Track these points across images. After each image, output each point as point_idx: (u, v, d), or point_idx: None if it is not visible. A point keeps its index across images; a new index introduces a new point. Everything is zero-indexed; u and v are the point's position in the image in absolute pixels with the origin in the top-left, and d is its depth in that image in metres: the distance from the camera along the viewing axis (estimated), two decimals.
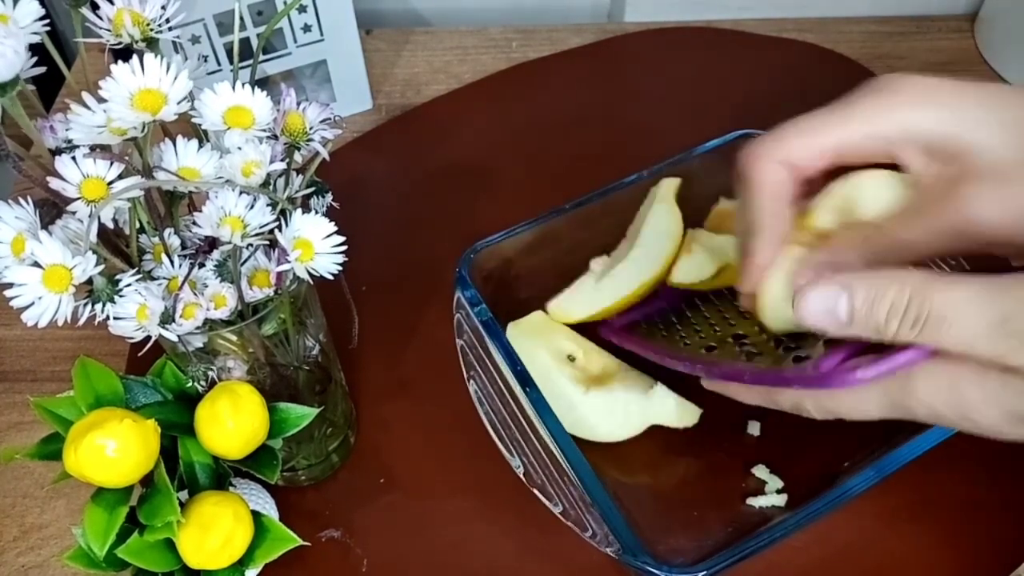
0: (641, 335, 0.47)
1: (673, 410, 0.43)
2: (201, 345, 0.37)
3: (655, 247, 0.46)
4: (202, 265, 0.34)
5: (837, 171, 0.35)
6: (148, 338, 0.33)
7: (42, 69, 0.32)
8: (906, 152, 0.33)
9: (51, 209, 0.33)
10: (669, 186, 0.48)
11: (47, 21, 0.31)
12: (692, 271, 0.45)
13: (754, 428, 0.45)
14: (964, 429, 0.31)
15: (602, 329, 0.48)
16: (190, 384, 0.38)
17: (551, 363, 0.44)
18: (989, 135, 0.31)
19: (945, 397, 0.30)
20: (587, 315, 0.47)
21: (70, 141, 0.32)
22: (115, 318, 0.32)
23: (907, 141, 0.33)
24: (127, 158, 0.32)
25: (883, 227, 0.33)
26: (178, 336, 0.34)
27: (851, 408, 0.33)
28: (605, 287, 0.46)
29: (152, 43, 0.34)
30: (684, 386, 0.44)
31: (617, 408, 0.43)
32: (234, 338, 0.37)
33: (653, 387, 0.43)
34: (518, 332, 0.45)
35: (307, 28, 0.58)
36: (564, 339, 0.47)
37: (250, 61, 0.37)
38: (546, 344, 0.45)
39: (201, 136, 0.34)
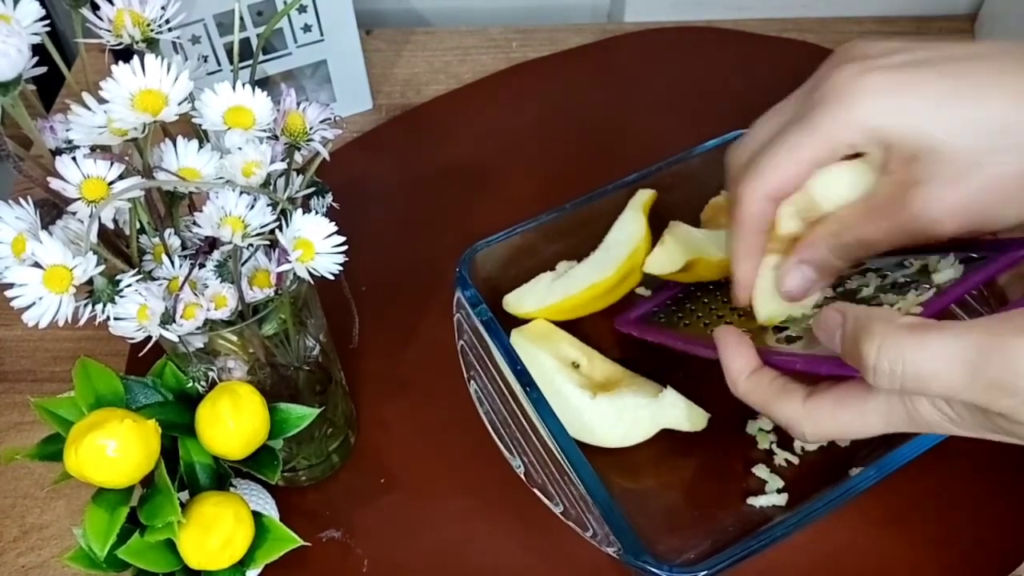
0: (661, 325, 0.46)
1: (683, 414, 0.43)
2: (201, 345, 0.37)
3: (611, 253, 0.47)
4: (202, 265, 0.34)
5: None
6: (148, 338, 0.33)
7: (43, 69, 0.32)
8: (870, 152, 0.34)
9: (51, 209, 0.33)
10: (642, 196, 0.48)
11: (47, 21, 0.31)
12: (663, 263, 0.46)
13: (754, 428, 0.45)
14: None
15: (618, 321, 0.48)
16: (190, 384, 0.38)
17: (556, 369, 0.44)
18: (945, 134, 0.31)
19: (952, 421, 0.30)
20: (534, 311, 0.47)
21: (70, 141, 0.32)
22: (115, 318, 0.32)
23: (869, 142, 0.33)
24: (127, 158, 0.32)
25: (846, 223, 0.35)
26: (178, 336, 0.34)
27: (853, 426, 0.32)
28: (557, 286, 0.47)
29: (152, 43, 0.34)
30: (690, 390, 0.44)
31: (626, 413, 0.43)
32: (234, 338, 0.37)
33: (662, 392, 0.43)
34: (522, 339, 0.45)
35: (307, 28, 0.58)
36: (568, 346, 0.47)
37: (250, 61, 0.37)
38: (551, 350, 0.45)
39: (201, 136, 0.34)
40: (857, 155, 0.34)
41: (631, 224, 0.47)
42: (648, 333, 0.46)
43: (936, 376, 0.28)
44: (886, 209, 0.34)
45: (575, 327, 0.48)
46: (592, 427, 0.42)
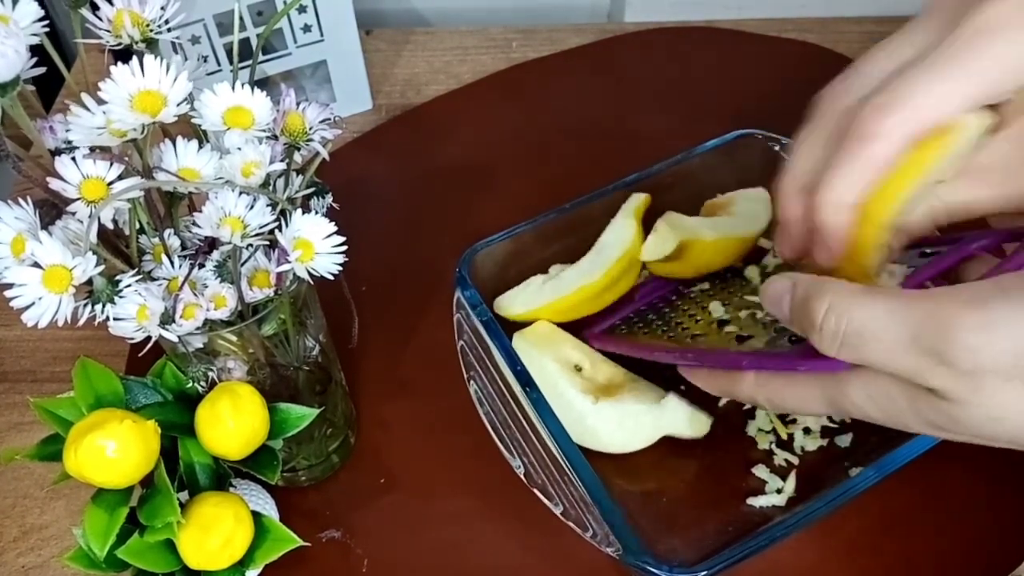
0: (621, 336, 0.46)
1: (685, 420, 0.43)
2: (201, 346, 0.37)
3: (601, 256, 0.47)
4: (202, 265, 0.34)
5: None
6: (148, 339, 0.33)
7: (42, 70, 0.32)
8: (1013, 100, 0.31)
9: (51, 210, 0.33)
10: (635, 200, 0.48)
11: (46, 22, 0.31)
12: (657, 248, 0.46)
13: (753, 429, 0.45)
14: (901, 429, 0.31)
15: (585, 335, 0.48)
16: (190, 385, 0.38)
17: (559, 374, 0.44)
18: None
19: (878, 404, 0.30)
20: (524, 312, 0.47)
21: (70, 142, 0.32)
22: (115, 319, 0.32)
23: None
24: (127, 159, 0.32)
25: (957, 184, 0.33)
26: (178, 337, 0.34)
27: (796, 403, 0.33)
28: (547, 289, 0.47)
29: (152, 44, 0.34)
30: (692, 390, 0.43)
31: (628, 419, 0.43)
32: (234, 338, 0.37)
33: (664, 397, 0.43)
34: (524, 342, 0.45)
35: (307, 28, 0.58)
36: (571, 349, 0.46)
37: (250, 61, 0.37)
38: (553, 354, 0.45)
39: (201, 136, 0.34)
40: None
41: (622, 229, 0.47)
42: (609, 344, 0.46)
43: (877, 336, 0.28)
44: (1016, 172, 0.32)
45: (577, 329, 0.48)
46: (595, 432, 0.42)
